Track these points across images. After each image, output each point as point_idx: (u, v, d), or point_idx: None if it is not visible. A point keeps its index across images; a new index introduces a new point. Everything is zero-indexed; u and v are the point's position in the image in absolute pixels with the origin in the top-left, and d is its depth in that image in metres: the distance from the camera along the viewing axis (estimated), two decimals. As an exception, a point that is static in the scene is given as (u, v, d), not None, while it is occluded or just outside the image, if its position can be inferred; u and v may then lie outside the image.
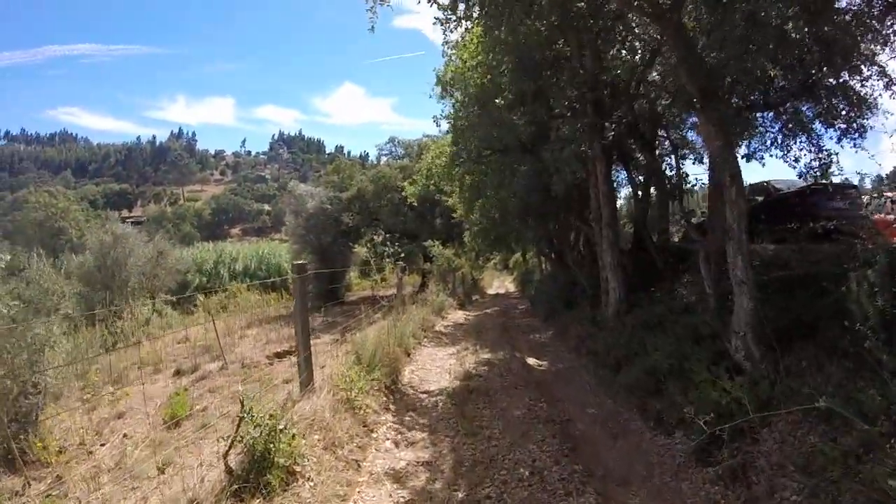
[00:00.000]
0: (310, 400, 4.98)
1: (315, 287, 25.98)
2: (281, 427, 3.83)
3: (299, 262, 5.21)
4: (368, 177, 30.73)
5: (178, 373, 10.94)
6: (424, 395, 6.68)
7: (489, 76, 8.21)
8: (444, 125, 11.04)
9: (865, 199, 9.29)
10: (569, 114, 6.73)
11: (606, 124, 6.97)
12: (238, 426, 3.74)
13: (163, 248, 21.40)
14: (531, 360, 8.41)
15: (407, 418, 5.71)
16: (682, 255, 9.52)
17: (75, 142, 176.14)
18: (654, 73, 6.65)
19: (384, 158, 37.05)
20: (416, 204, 25.94)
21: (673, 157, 9.26)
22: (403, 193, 26.79)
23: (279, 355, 12.70)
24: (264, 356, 12.44)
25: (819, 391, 4.12)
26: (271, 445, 3.73)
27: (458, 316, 15.50)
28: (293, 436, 3.93)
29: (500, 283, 40.42)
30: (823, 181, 8.20)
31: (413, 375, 7.69)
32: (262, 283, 26.05)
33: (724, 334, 5.03)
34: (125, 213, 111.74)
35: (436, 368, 8.14)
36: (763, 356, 4.71)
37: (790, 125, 7.99)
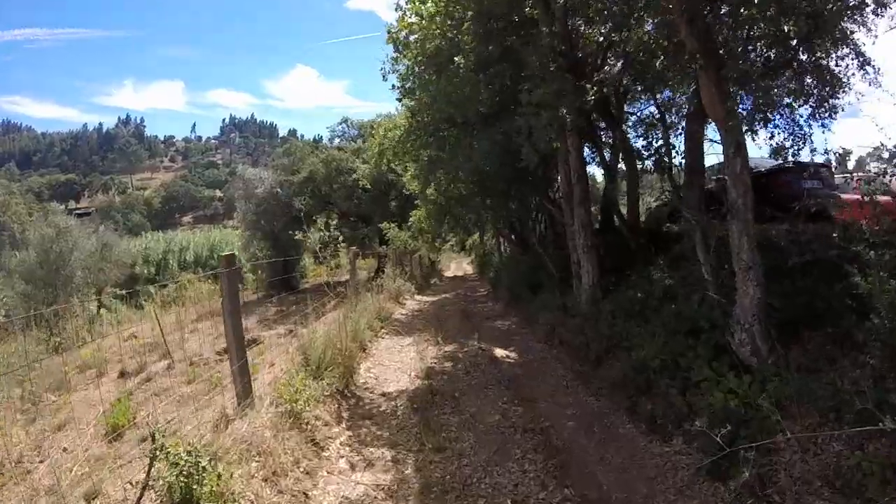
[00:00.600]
0: (247, 417, 4.10)
1: (268, 275, 25.13)
2: (204, 464, 2.98)
3: (228, 252, 4.27)
4: (320, 159, 29.44)
5: (123, 375, 10.04)
6: (383, 399, 5.87)
7: (449, 34, 7.30)
8: (398, 103, 10.13)
9: (839, 179, 9.05)
10: (542, 76, 5.96)
11: (587, 85, 6.23)
12: (150, 468, 2.89)
13: (107, 241, 20.25)
14: (498, 352, 7.73)
15: (363, 430, 4.89)
16: (653, 236, 9.03)
17: (19, 131, 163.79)
18: (643, 31, 5.91)
19: (337, 140, 35.66)
20: (369, 185, 24.94)
21: (656, 130, 8.63)
22: (355, 176, 25.73)
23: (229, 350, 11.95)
24: (214, 352, 11.53)
25: (841, 391, 3.59)
26: (195, 487, 2.89)
27: (417, 302, 14.72)
28: (220, 472, 3.08)
29: (457, 266, 39.97)
30: (797, 161, 7.92)
31: (370, 374, 6.86)
32: (213, 274, 24.82)
33: (726, 326, 4.42)
34: (72, 204, 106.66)
35: (395, 364, 7.35)
36: (770, 350, 4.13)
37: (762, 102, 7.56)
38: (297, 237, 25.28)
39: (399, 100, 9.49)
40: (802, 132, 7.04)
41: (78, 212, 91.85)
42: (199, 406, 5.10)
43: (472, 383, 6.14)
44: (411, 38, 7.97)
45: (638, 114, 9.74)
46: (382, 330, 9.64)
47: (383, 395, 6.03)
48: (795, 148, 7.14)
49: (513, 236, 17.60)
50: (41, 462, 5.71)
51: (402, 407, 5.49)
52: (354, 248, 10.12)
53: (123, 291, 18.75)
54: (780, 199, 7.93)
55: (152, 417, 7.03)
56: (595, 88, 6.36)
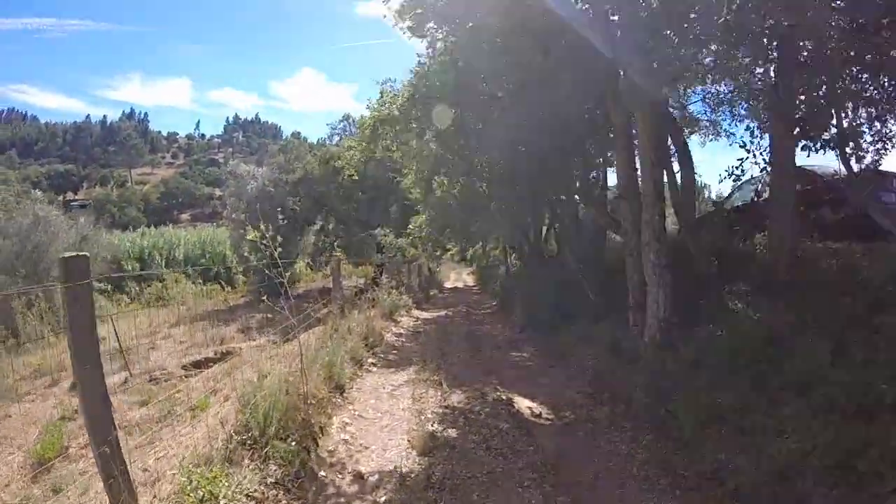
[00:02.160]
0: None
1: (258, 279, 23.40)
2: None
3: (70, 254, 2.33)
4: (316, 158, 27.56)
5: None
6: (356, 491, 3.78)
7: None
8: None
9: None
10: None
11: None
12: None
13: (86, 234, 18.75)
14: (524, 404, 5.63)
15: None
16: (719, 253, 7.01)
17: (23, 120, 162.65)
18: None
19: (337, 139, 33.66)
20: (355, 175, 23.05)
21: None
22: (339, 163, 23.99)
23: (198, 365, 10.23)
24: (180, 366, 9.57)
25: None
26: None
27: (415, 318, 12.63)
28: None
29: (457, 276, 37.90)
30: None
31: (344, 435, 4.78)
32: (202, 273, 23.98)
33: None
34: (70, 195, 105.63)
35: (381, 418, 5.28)
36: None
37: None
38: (300, 238, 23.43)
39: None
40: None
41: (74, 203, 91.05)
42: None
43: (492, 467, 4.03)
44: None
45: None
46: (370, 359, 7.56)
47: (358, 481, 3.93)
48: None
49: (525, 247, 15.55)
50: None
51: (387, 515, 3.41)
52: (338, 255, 8.05)
53: (105, 286, 17.96)
54: (855, 211, 6.41)
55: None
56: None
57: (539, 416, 5.36)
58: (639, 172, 5.70)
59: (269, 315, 15.51)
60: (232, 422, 4.00)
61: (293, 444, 3.97)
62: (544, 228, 15.62)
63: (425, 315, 13.77)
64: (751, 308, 5.68)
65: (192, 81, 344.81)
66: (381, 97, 8.01)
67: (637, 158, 5.96)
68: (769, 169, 6.37)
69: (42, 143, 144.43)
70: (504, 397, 5.72)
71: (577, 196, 8.71)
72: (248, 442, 3.77)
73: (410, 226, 14.68)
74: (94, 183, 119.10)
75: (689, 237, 6.64)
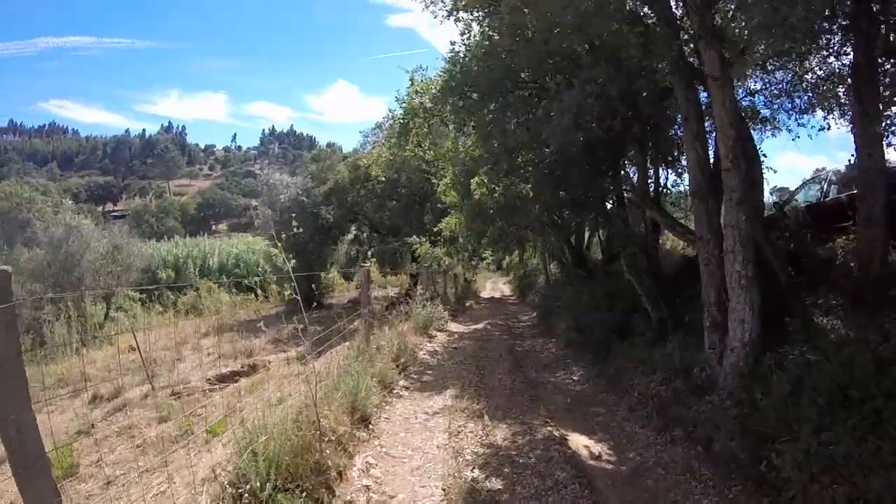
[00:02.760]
0: None
1: (290, 289, 22.92)
2: None
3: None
4: (347, 166, 27.32)
5: (96, 399, 8.58)
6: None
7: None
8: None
9: None
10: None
11: None
12: None
13: (118, 243, 18.79)
14: (580, 443, 4.79)
15: None
16: (796, 261, 6.02)
17: (64, 134, 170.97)
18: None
19: (370, 147, 33.41)
20: (382, 177, 22.63)
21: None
22: (365, 162, 23.53)
23: (223, 378, 9.80)
24: (205, 379, 9.21)
25: None
26: None
27: (450, 332, 11.87)
28: None
29: (493, 286, 36.96)
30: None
31: (367, 481, 4.06)
32: (236, 283, 24.14)
33: None
34: (109, 206, 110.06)
35: (411, 457, 4.54)
36: None
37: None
38: (334, 247, 23.22)
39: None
40: None
41: (114, 214, 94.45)
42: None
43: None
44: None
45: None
46: (402, 382, 6.84)
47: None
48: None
49: (565, 255, 14.62)
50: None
51: None
52: (367, 265, 7.37)
53: (139, 294, 18.12)
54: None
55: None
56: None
57: (599, 457, 4.51)
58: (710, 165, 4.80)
59: (301, 326, 15.12)
60: (229, 468, 3.34)
61: (302, 496, 3.29)
62: (586, 235, 14.69)
63: (462, 328, 13.00)
64: (845, 326, 4.73)
65: (228, 96, 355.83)
66: (412, 85, 7.30)
67: (711, 150, 5.06)
68: (848, 163, 5.46)
69: (82, 156, 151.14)
70: (556, 434, 4.89)
71: (628, 197, 7.80)
72: (246, 496, 3.08)
73: (441, 224, 13.91)
74: (133, 194, 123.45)
75: (763, 242, 5.65)
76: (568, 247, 13.10)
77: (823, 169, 10.63)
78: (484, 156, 7.19)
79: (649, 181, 6.80)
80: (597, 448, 4.69)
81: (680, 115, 5.54)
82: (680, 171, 7.48)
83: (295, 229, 26.08)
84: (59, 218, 17.97)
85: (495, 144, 6.82)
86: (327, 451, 4.10)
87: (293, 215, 25.70)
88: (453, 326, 13.03)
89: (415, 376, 7.23)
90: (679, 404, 5.01)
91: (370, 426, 5.11)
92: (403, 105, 7.40)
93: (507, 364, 8.16)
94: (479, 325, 13.57)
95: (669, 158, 6.80)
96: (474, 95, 6.26)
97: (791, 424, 3.70)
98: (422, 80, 7.23)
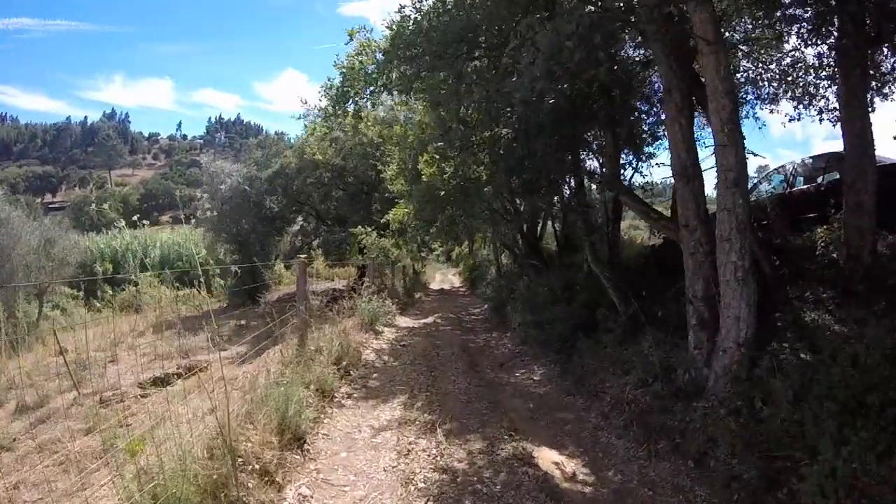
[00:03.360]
0: None
1: (232, 283, 21.83)
2: None
3: None
4: (294, 152, 25.93)
5: (20, 409, 7.84)
6: None
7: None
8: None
9: None
10: None
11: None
12: None
13: (51, 236, 17.46)
14: (548, 458, 4.12)
15: None
16: (778, 252, 5.61)
17: (1, 121, 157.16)
18: None
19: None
20: (316, 156, 21.67)
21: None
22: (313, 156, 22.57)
23: (157, 382, 8.70)
24: (138, 383, 8.20)
25: None
26: None
27: (399, 327, 11.06)
28: None
29: (443, 277, 36.43)
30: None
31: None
32: (178, 277, 22.68)
33: None
34: (49, 197, 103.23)
35: (353, 484, 3.74)
36: None
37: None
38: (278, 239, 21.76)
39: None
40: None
41: (52, 205, 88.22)
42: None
43: None
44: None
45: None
46: (344, 389, 5.99)
47: None
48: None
49: (518, 245, 14.07)
50: None
51: None
52: (302, 257, 6.42)
53: (75, 290, 17.27)
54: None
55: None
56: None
57: (573, 478, 3.85)
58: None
59: (242, 322, 14.01)
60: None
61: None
62: (539, 224, 14.18)
63: (411, 322, 12.21)
64: (838, 321, 4.29)
65: (175, 82, 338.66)
66: (351, 41, 6.26)
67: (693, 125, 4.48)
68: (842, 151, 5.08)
69: (21, 144, 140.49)
70: (521, 449, 4.19)
71: (591, 182, 7.22)
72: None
73: (389, 215, 13.04)
74: (73, 185, 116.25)
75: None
76: (521, 236, 12.51)
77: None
78: (433, 126, 6.32)
79: (617, 163, 6.18)
80: (570, 465, 4.03)
81: (658, 90, 4.94)
82: (648, 154, 6.97)
83: (235, 221, 24.67)
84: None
85: (445, 114, 5.99)
86: (250, 484, 3.27)
87: (235, 205, 24.25)
88: (402, 321, 12.22)
89: (359, 381, 6.38)
90: (662, 412, 4.43)
91: (305, 446, 4.25)
92: (343, 69, 6.37)
93: (461, 363, 7.43)
94: (430, 319, 12.82)
95: (637, 141, 6.25)
96: (426, 59, 5.38)
97: (804, 438, 3.16)
98: (365, 40, 6.24)
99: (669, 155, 4.44)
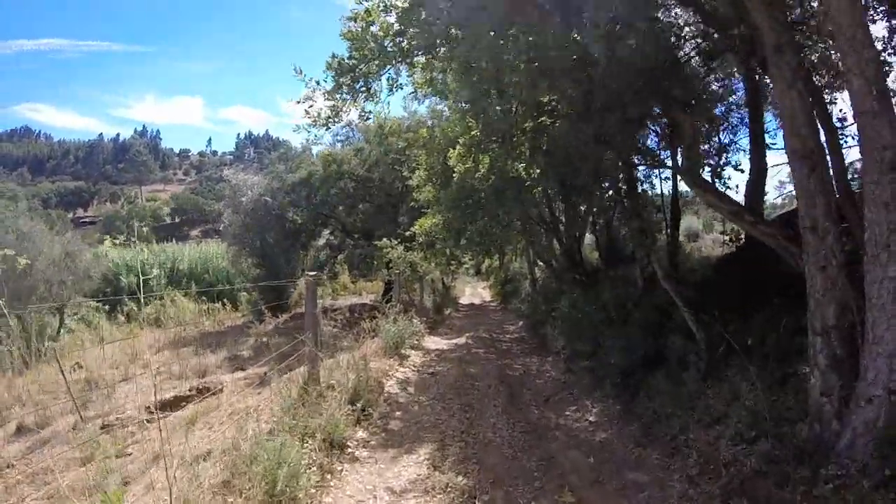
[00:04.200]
0: None
1: (256, 298, 21.49)
2: None
3: None
4: (320, 158, 25.38)
5: (20, 430, 7.51)
6: None
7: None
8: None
9: None
10: None
11: None
12: None
13: (72, 249, 17.19)
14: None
15: None
16: None
17: (36, 138, 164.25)
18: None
19: (339, 146, 31.46)
20: (357, 171, 21.01)
21: None
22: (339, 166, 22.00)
23: (167, 406, 7.71)
24: (145, 406, 7.24)
25: None
26: None
27: (427, 350, 10.03)
28: None
29: (472, 291, 35.23)
30: None
31: None
32: (202, 291, 22.63)
33: None
34: (80, 212, 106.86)
35: None
36: None
37: None
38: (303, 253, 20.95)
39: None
40: None
41: (83, 220, 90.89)
42: None
43: None
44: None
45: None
46: (360, 434, 4.96)
47: None
48: None
49: (556, 255, 12.91)
50: None
51: None
52: (313, 274, 5.44)
53: (100, 304, 17.39)
54: None
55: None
56: None
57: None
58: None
59: (264, 339, 13.28)
60: None
61: None
62: (578, 233, 12.99)
63: (441, 343, 11.16)
64: None
65: (204, 100, 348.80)
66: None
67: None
68: None
69: (54, 161, 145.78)
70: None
71: (653, 170, 6.08)
72: None
73: (414, 227, 12.05)
74: (105, 200, 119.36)
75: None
76: (561, 247, 11.35)
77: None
78: (464, 98, 5.15)
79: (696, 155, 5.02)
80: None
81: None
82: (723, 146, 5.82)
83: (259, 235, 24.22)
84: (6, 223, 15.98)
85: (478, 81, 4.80)
86: None
87: (258, 218, 23.83)
88: (431, 341, 11.18)
89: (379, 423, 5.34)
90: (775, 479, 3.26)
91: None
92: (349, 37, 5.21)
93: (501, 398, 6.32)
94: (461, 340, 11.73)
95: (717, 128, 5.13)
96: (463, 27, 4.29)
97: None
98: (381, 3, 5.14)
99: (782, 135, 3.32)
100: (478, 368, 8.24)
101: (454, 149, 7.10)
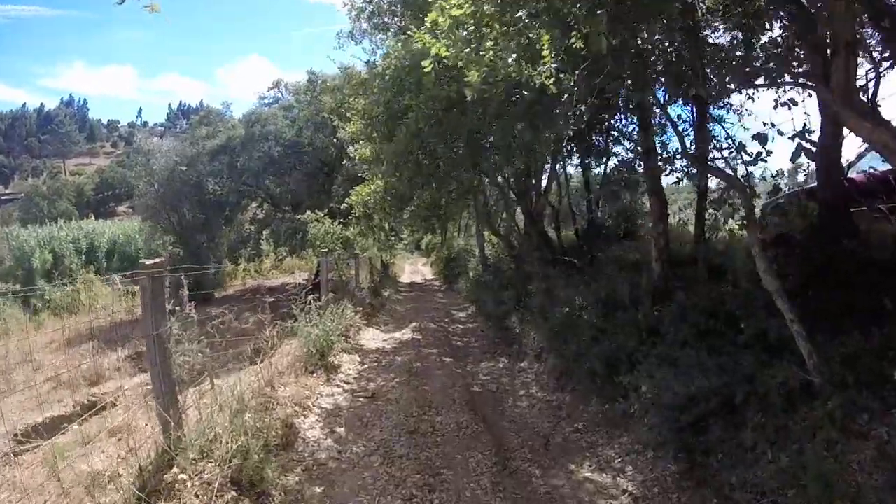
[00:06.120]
0: None
1: (171, 281, 18.33)
2: None
3: None
4: (242, 122, 22.46)
5: None
6: None
7: None
8: None
9: None
10: None
11: None
12: None
13: None
14: None
15: None
16: None
17: None
18: None
19: (267, 109, 28.09)
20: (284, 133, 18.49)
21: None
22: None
23: (41, 430, 5.23)
24: (15, 431, 5.58)
25: None
26: None
27: (365, 351, 7.85)
28: None
29: (413, 268, 33.22)
30: None
31: None
32: (121, 273, 19.78)
33: None
34: (0, 188, 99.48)
35: None
36: None
37: None
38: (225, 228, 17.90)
39: None
40: None
41: (3, 197, 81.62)
42: None
43: None
44: None
45: None
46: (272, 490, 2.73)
47: None
48: None
49: (517, 230, 11.01)
50: None
51: None
52: (150, 262, 3.08)
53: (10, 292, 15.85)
54: None
55: None
56: None
57: None
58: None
59: (176, 333, 10.77)
60: None
61: None
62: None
63: (381, 339, 9.00)
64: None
65: (137, 69, 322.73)
66: None
67: None
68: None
69: None
70: None
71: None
72: None
73: (351, 198, 9.64)
74: (27, 175, 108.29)
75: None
76: (530, 221, 9.34)
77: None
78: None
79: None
80: None
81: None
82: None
83: (174, 208, 21.31)
84: None
85: None
86: None
87: (173, 189, 20.80)
88: (368, 337, 8.98)
89: (299, 471, 3.14)
90: None
91: None
92: None
93: (479, 450, 4.19)
94: (406, 334, 9.56)
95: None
96: None
97: None
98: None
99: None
100: (434, 385, 6.09)
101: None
